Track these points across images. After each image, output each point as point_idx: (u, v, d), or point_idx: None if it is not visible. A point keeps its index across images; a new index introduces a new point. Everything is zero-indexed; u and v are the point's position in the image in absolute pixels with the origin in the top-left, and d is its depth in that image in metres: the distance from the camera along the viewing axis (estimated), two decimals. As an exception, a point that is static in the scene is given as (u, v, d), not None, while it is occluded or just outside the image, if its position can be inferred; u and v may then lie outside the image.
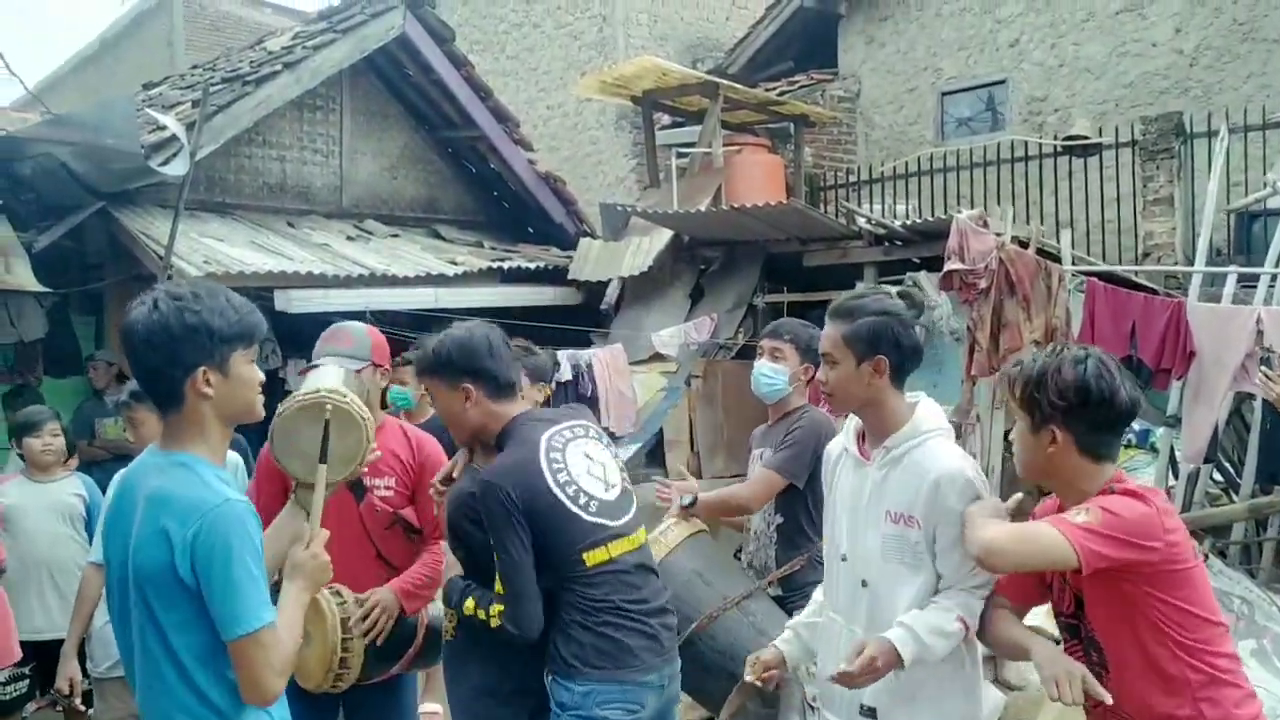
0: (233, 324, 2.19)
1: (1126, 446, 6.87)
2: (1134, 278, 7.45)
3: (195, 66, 11.55)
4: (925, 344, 7.16)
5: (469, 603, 2.88)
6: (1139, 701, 2.30)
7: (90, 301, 8.21)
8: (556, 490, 2.82)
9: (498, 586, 2.82)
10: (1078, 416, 2.36)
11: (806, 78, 11.86)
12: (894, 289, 2.76)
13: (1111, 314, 5.81)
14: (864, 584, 2.67)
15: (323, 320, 7.82)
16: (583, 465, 2.93)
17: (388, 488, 3.39)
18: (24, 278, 6.95)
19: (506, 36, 14.11)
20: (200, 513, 2.07)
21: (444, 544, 3.37)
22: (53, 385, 7.86)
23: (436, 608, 3.37)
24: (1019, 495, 2.60)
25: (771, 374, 4.01)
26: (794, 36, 12.06)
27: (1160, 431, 6.74)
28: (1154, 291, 6.91)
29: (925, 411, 2.70)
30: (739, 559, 4.17)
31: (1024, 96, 10.55)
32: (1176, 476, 6.57)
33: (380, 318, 7.87)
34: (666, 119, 11.20)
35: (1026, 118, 10.47)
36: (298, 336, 8.09)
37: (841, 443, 2.87)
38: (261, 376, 2.30)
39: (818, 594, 3.01)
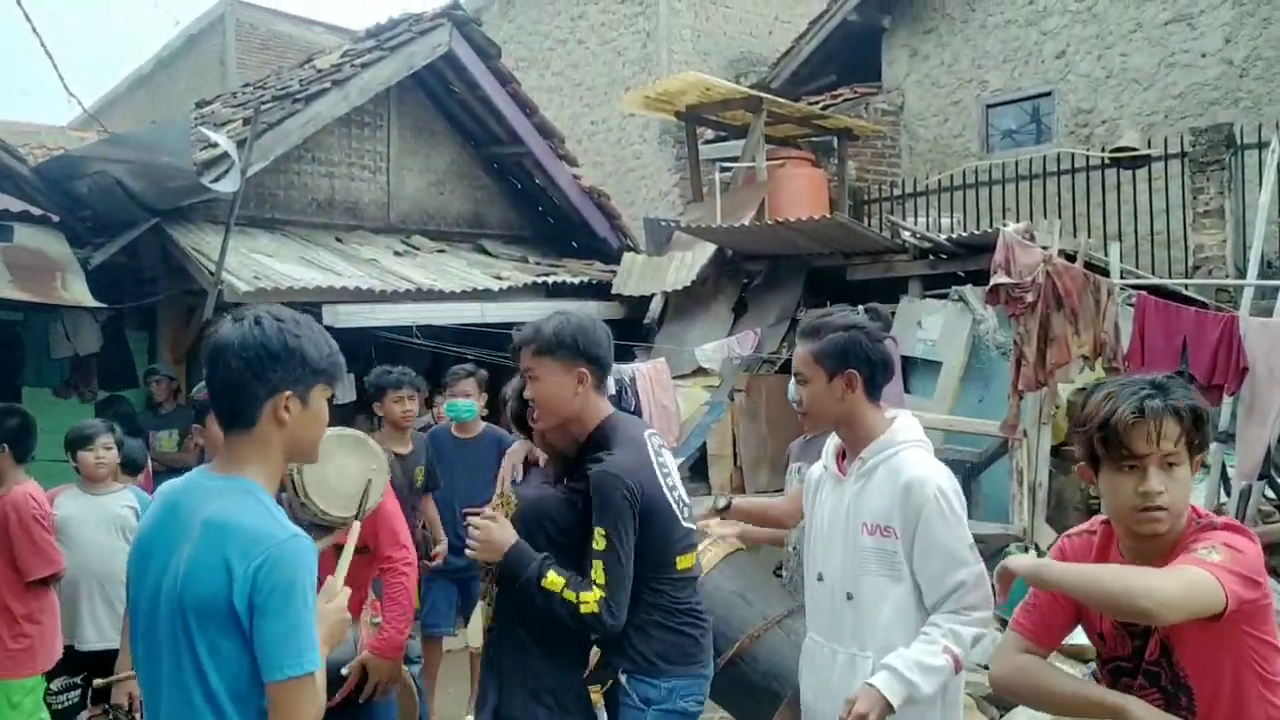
0: (325, 357, 2.15)
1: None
2: (1184, 291, 7.36)
3: (246, 85, 11.77)
4: (970, 356, 7.06)
5: (555, 578, 2.75)
6: None
7: (144, 316, 8.36)
8: (667, 493, 2.89)
9: (596, 574, 2.76)
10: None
11: (850, 91, 11.83)
12: (860, 307, 2.78)
13: (1162, 329, 5.74)
14: (849, 597, 2.69)
15: (369, 335, 7.98)
16: (675, 471, 3.02)
17: None
18: (79, 293, 7.10)
19: (552, 53, 14.22)
20: (266, 546, 1.95)
21: (404, 553, 3.43)
22: (107, 399, 8.01)
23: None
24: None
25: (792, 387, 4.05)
26: (837, 50, 12.04)
27: (1212, 447, 6.64)
28: (1204, 305, 6.83)
29: (902, 424, 2.73)
30: (780, 575, 4.16)
31: (1070, 108, 10.46)
32: (1229, 493, 6.47)
33: (426, 332, 7.96)
34: (710, 133, 11.22)
35: (1073, 130, 10.38)
36: (344, 352, 8.19)
37: (821, 464, 2.91)
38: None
39: None
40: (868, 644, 2.64)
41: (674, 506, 2.90)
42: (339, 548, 2.60)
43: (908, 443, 2.68)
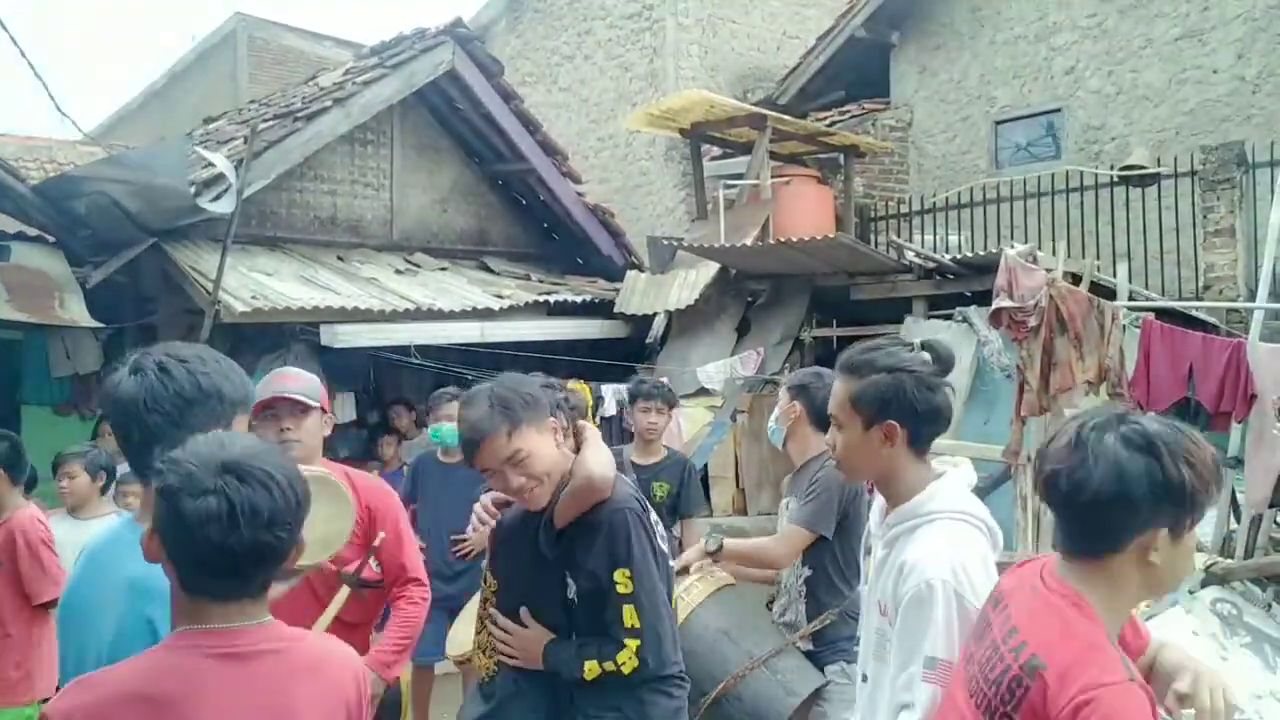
0: (239, 387, 2.10)
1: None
2: (1193, 312, 7.24)
3: (253, 101, 11.78)
4: (975, 382, 6.93)
5: (593, 666, 2.62)
6: None
7: (143, 335, 8.34)
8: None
9: (628, 619, 2.62)
10: None
11: (858, 107, 11.75)
12: (918, 340, 2.39)
13: (1169, 354, 5.63)
14: (864, 679, 2.45)
15: (368, 355, 7.93)
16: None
17: None
18: (78, 313, 7.09)
19: (559, 69, 14.18)
20: None
21: (421, 587, 3.34)
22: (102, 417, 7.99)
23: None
24: None
25: (770, 423, 4.04)
26: (845, 66, 11.96)
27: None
28: (1215, 328, 6.71)
29: (941, 487, 2.33)
30: (771, 609, 4.07)
31: (1080, 125, 10.35)
32: (1238, 520, 6.33)
33: (425, 352, 7.90)
34: (716, 150, 11.16)
35: (1083, 147, 10.27)
36: (343, 372, 8.16)
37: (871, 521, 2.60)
38: None
39: None
40: None
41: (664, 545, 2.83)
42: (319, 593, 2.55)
43: (940, 513, 2.28)
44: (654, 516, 2.81)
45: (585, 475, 2.65)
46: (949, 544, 2.22)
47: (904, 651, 2.19)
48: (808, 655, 3.72)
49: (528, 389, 2.68)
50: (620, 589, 2.62)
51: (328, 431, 3.37)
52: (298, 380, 3.34)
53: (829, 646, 3.74)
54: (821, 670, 3.72)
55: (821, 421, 3.13)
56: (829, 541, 3.74)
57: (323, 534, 2.40)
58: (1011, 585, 1.99)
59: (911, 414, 2.31)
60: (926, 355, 2.35)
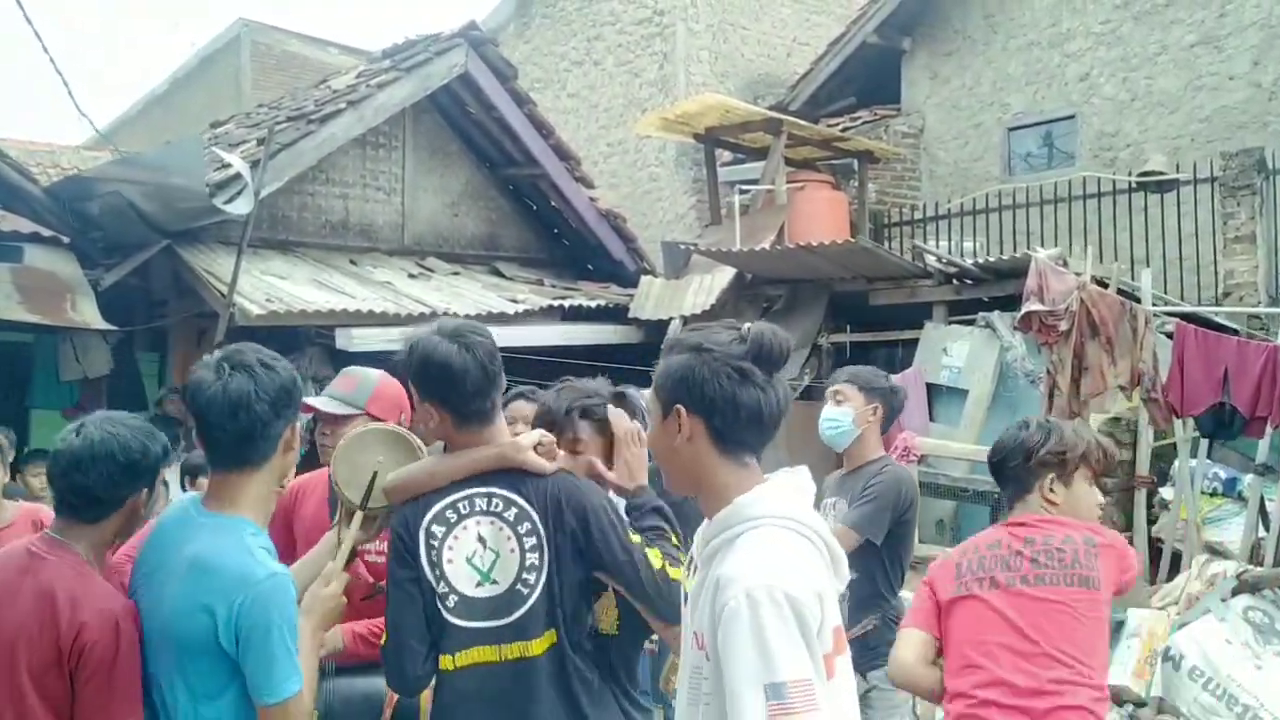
0: (298, 384, 2.35)
1: (1212, 495, 6.58)
2: (1215, 318, 7.20)
3: (261, 105, 11.70)
4: (999, 386, 6.82)
5: (655, 552, 2.43)
6: None
7: (155, 338, 8.26)
8: None
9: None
10: None
11: (869, 114, 11.71)
12: (748, 325, 1.96)
13: (1203, 359, 5.57)
14: None
15: (382, 358, 7.85)
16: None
17: (379, 551, 2.86)
18: (90, 315, 7.00)
19: (568, 74, 14.13)
20: (246, 587, 2.13)
21: None
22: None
23: None
24: None
25: (835, 418, 3.87)
26: (856, 72, 11.93)
27: (1249, 479, 6.43)
28: (1235, 332, 6.66)
29: (768, 492, 1.89)
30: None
31: (1094, 131, 10.31)
32: (1267, 528, 6.27)
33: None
34: (728, 156, 11.10)
35: (1097, 153, 10.22)
36: (358, 375, 8.07)
37: None
38: None
39: None
40: None
41: None
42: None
43: (766, 518, 1.83)
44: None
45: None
46: (773, 551, 1.79)
47: (730, 681, 1.72)
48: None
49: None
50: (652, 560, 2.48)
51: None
52: (344, 384, 3.21)
53: (870, 652, 3.66)
54: (863, 677, 3.64)
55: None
56: (876, 548, 3.67)
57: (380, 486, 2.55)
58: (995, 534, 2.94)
59: (703, 402, 1.87)
60: (743, 340, 1.90)
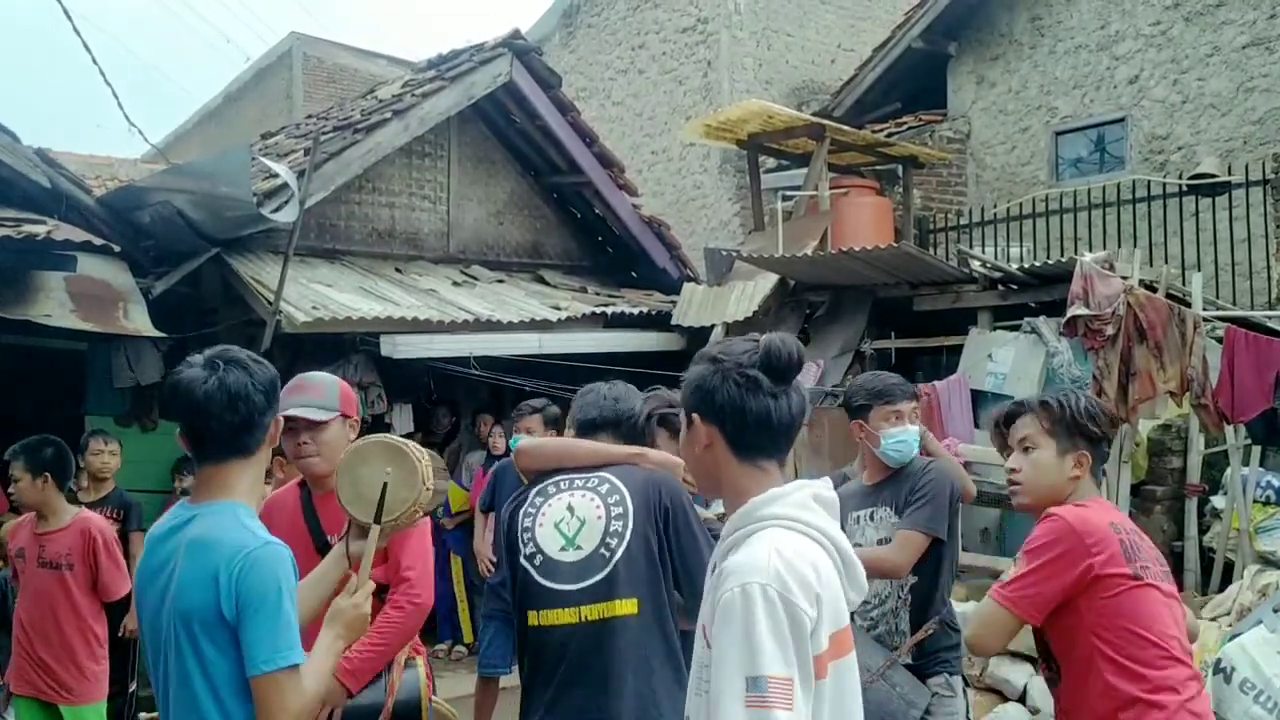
0: (278, 379, 2.47)
1: (1265, 504, 6.44)
2: (1267, 323, 7.04)
3: (310, 116, 11.87)
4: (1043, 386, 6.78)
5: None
6: None
7: (204, 346, 8.35)
8: None
9: None
10: None
11: (914, 119, 11.62)
12: (762, 336, 2.05)
13: (1253, 364, 5.46)
14: None
15: (427, 366, 7.91)
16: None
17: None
18: (141, 323, 7.11)
19: (612, 83, 14.19)
20: (244, 553, 2.18)
21: (413, 591, 3.07)
22: (169, 427, 8.02)
23: (417, 677, 3.06)
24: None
25: (904, 437, 3.76)
26: (901, 78, 11.85)
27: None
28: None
29: (783, 493, 1.94)
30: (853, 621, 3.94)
31: (1144, 135, 10.15)
32: (1320, 536, 6.13)
33: (484, 363, 7.87)
34: (771, 162, 11.07)
35: (1147, 157, 10.07)
36: (402, 382, 8.15)
37: None
38: None
39: None
40: None
41: None
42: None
43: (776, 519, 1.90)
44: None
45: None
46: (774, 551, 1.82)
47: (716, 665, 1.78)
48: (909, 668, 3.59)
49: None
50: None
51: (353, 435, 3.20)
52: (312, 391, 3.20)
53: (930, 658, 3.62)
54: (924, 682, 3.60)
55: None
56: (939, 547, 3.62)
57: (390, 499, 2.58)
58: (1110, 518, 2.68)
59: (714, 409, 1.98)
60: (756, 352, 1.99)
